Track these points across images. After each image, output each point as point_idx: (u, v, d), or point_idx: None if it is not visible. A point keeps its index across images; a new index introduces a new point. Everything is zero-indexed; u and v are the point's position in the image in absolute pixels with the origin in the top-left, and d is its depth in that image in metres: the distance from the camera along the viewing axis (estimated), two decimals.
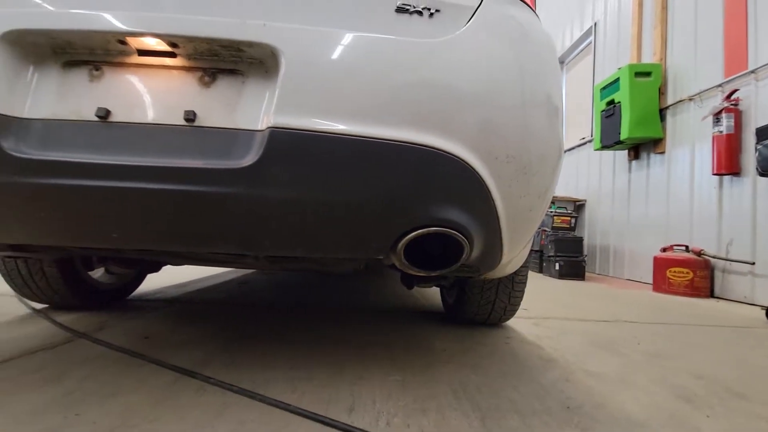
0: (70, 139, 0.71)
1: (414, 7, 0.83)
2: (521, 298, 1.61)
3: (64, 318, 1.56)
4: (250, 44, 0.73)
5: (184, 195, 0.70)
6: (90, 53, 0.75)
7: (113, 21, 0.71)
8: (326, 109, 0.72)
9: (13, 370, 1.05)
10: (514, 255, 1.07)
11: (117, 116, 0.73)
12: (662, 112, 3.97)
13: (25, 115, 0.72)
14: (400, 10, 0.82)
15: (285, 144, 0.70)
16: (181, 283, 2.58)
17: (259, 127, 0.73)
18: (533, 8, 1.04)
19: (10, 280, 1.55)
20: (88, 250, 1.16)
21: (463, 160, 0.77)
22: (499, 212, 0.84)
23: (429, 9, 0.83)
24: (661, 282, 3.50)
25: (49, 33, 0.71)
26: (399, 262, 0.87)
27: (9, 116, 0.70)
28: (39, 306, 1.74)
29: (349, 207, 0.75)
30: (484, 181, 0.79)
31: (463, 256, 0.85)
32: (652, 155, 4.12)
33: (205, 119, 0.74)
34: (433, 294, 2.57)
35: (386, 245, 0.82)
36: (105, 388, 0.95)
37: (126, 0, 0.74)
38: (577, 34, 5.87)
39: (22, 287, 1.56)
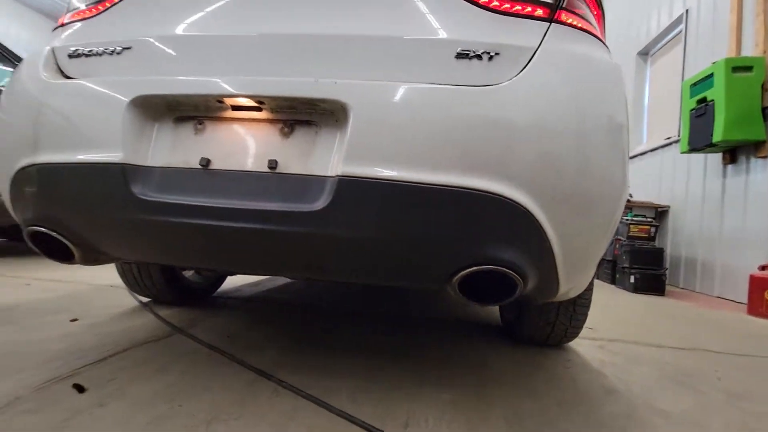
0: (179, 184, 0.87)
1: (474, 52, 0.87)
2: (584, 321, 1.57)
3: (164, 312, 1.83)
4: (323, 100, 0.83)
5: (267, 233, 0.82)
6: (194, 109, 0.90)
7: (217, 84, 0.86)
8: (389, 158, 0.79)
9: (129, 360, 1.27)
10: (572, 286, 1.06)
11: (215, 164, 0.87)
12: (765, 112, 3.49)
13: (148, 163, 0.89)
14: (460, 56, 0.86)
15: (352, 191, 0.79)
16: (254, 282, 2.84)
17: (329, 174, 0.83)
18: (599, 36, 1.01)
19: (124, 278, 1.86)
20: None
21: (520, 204, 0.79)
22: (555, 250, 0.86)
23: (488, 53, 0.86)
24: (757, 304, 3.11)
25: (165, 96, 0.87)
26: (454, 294, 0.92)
27: (138, 165, 0.87)
28: (144, 299, 2.05)
29: (406, 246, 0.82)
30: (539, 222, 0.81)
31: (516, 291, 0.88)
32: (753, 159, 3.65)
33: (284, 166, 0.85)
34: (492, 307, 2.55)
35: (441, 279, 0.88)
36: (199, 383, 1.12)
37: (223, 65, 0.88)
38: (665, 22, 5.31)
39: (133, 284, 1.87)
